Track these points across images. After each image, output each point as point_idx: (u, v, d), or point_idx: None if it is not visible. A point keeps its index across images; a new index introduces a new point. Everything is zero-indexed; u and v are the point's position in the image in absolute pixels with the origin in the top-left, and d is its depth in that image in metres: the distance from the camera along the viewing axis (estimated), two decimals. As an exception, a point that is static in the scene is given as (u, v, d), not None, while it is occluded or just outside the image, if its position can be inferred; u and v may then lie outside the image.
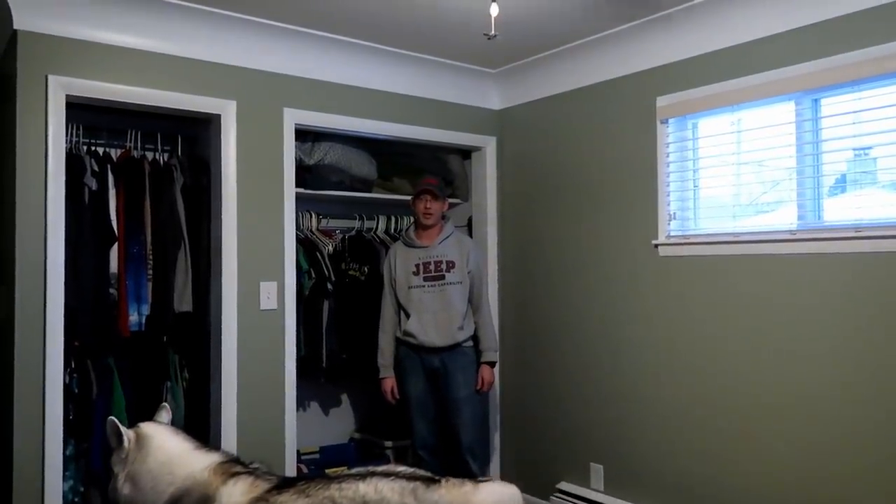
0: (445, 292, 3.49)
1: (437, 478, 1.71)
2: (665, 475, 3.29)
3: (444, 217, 3.66)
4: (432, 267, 3.52)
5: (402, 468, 1.75)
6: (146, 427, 1.91)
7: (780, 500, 2.87)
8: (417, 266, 3.52)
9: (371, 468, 1.75)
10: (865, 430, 2.63)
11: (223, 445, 3.10)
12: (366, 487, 1.63)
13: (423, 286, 3.50)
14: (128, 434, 1.84)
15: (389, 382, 3.56)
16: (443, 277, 3.51)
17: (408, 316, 3.51)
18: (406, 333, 3.51)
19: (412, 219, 3.75)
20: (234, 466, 1.79)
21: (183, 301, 3.29)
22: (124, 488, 1.75)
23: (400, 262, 3.57)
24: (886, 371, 2.57)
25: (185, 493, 1.69)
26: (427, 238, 3.57)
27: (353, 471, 1.74)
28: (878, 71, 2.60)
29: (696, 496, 3.16)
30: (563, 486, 3.73)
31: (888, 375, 2.57)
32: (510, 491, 1.73)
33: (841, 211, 2.83)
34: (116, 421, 1.81)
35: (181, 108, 3.14)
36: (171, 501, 1.70)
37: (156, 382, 3.42)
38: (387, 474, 1.69)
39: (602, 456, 3.58)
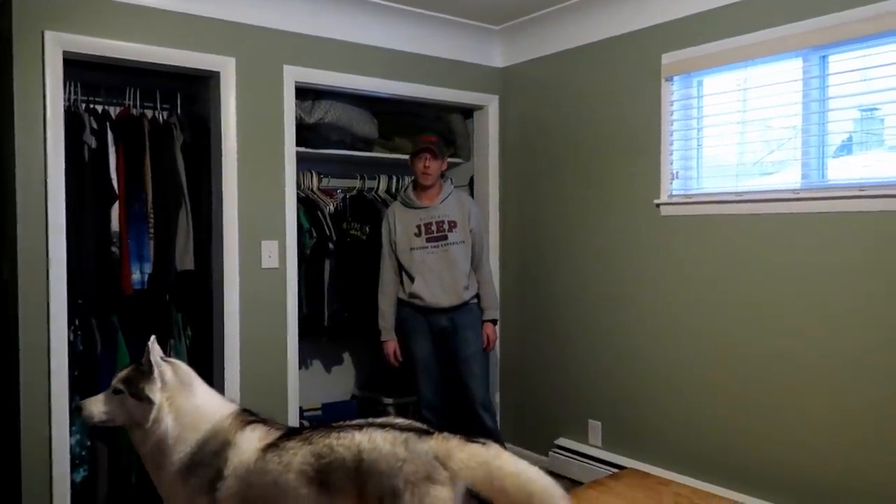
0: (449, 252, 3.47)
1: (430, 430, 1.80)
2: (662, 432, 3.33)
3: (442, 176, 3.62)
4: (434, 227, 3.49)
5: (399, 420, 1.86)
6: (182, 364, 2.00)
7: (777, 461, 2.91)
8: (419, 227, 3.49)
9: (371, 420, 1.85)
10: (868, 387, 2.65)
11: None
12: (361, 437, 1.75)
13: (426, 247, 3.48)
14: (164, 365, 1.91)
15: (392, 345, 3.55)
16: (445, 238, 3.48)
17: (411, 278, 3.48)
18: (412, 295, 3.48)
19: (412, 178, 3.73)
20: (248, 416, 1.94)
21: (185, 260, 3.29)
22: (167, 418, 1.84)
23: (400, 224, 3.53)
24: (891, 328, 2.58)
25: (213, 436, 1.84)
26: (427, 198, 3.53)
27: (354, 422, 1.85)
28: (887, 27, 2.55)
29: (692, 453, 3.21)
30: (562, 441, 3.79)
31: (893, 333, 2.57)
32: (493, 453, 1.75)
33: (845, 170, 2.81)
34: (156, 344, 1.86)
35: (180, 65, 3.11)
36: (203, 440, 1.83)
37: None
38: (383, 425, 1.79)
39: (600, 413, 3.63)
